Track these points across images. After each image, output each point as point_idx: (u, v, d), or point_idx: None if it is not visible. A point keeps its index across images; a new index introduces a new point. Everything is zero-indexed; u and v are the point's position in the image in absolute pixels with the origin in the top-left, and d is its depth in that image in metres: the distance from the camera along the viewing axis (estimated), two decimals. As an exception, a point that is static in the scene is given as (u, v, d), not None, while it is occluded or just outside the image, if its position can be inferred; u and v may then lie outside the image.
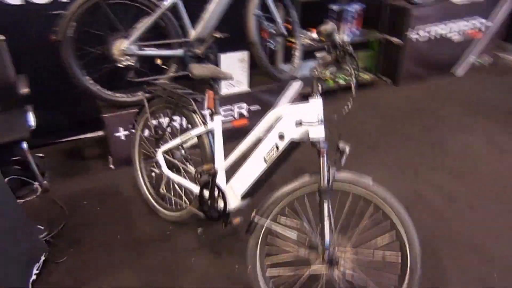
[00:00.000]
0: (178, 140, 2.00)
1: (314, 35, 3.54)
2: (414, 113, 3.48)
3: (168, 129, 2.12)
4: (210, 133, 1.91)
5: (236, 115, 2.95)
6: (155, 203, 2.27)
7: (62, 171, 2.66)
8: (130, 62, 2.44)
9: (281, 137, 1.59)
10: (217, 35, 2.64)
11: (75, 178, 2.60)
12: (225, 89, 2.85)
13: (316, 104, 1.53)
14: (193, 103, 1.92)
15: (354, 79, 1.51)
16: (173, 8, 2.51)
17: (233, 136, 2.94)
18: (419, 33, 3.81)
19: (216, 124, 1.89)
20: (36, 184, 2.38)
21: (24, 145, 2.20)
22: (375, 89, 3.99)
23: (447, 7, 3.84)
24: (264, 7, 2.77)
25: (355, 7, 3.64)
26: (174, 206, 2.22)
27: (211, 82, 1.87)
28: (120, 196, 2.44)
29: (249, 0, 2.66)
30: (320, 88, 1.56)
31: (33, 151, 2.69)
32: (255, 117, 3.01)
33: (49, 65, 2.53)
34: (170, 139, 2.07)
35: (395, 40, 3.89)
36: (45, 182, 2.42)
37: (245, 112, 2.98)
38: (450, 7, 3.85)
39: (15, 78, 2.33)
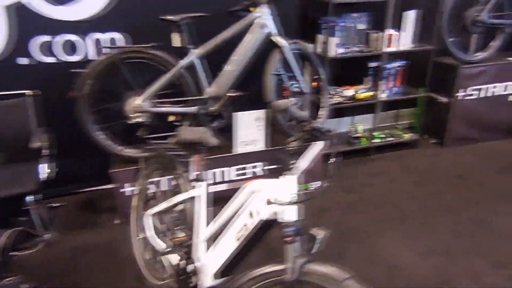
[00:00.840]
0: (165, 204, 1.92)
1: (347, 92, 3.37)
2: (459, 181, 3.07)
3: (159, 191, 2.05)
4: (194, 200, 1.80)
5: (250, 174, 2.82)
6: (144, 267, 2.16)
7: (72, 223, 2.69)
8: (141, 119, 2.46)
9: (251, 215, 1.42)
10: (232, 93, 2.59)
11: (82, 231, 2.60)
12: (240, 148, 2.76)
13: (288, 182, 1.35)
14: (179, 166, 1.84)
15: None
16: (190, 66, 2.54)
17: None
18: (470, 92, 3.46)
19: (201, 191, 1.77)
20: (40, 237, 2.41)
21: (29, 198, 2.26)
22: (418, 150, 3.64)
23: (504, 66, 3.46)
24: (286, 65, 2.70)
25: (396, 64, 3.43)
26: (160, 274, 2.09)
27: (198, 147, 1.78)
28: (117, 255, 2.37)
29: (268, 60, 2.60)
30: (293, 163, 1.39)
31: (52, 200, 2.83)
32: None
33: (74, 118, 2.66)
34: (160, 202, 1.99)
35: (441, 99, 3.56)
36: (49, 235, 2.45)
37: (260, 171, 2.84)
38: (508, 66, 3.47)
39: (33, 132, 2.45)
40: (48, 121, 2.61)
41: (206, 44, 2.53)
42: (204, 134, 1.81)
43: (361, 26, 3.26)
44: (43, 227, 2.44)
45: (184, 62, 2.50)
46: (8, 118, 2.51)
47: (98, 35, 2.64)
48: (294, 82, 2.75)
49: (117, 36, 2.69)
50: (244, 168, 2.80)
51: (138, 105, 2.45)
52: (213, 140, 1.79)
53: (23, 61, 2.55)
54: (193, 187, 1.81)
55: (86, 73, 2.36)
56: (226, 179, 2.79)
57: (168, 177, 1.98)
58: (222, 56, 2.58)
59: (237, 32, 2.56)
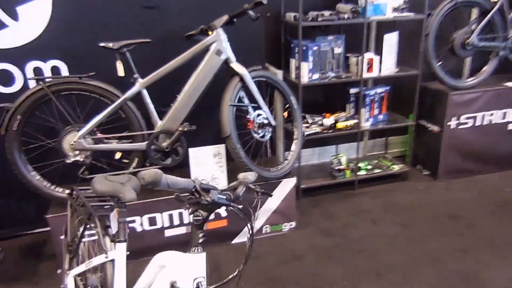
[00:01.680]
0: (84, 266, 1.59)
1: (327, 121, 3.05)
2: (449, 222, 2.71)
3: (82, 246, 1.73)
4: (112, 262, 1.48)
5: (212, 216, 2.49)
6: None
7: (7, 272, 2.37)
8: (79, 157, 2.17)
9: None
10: (186, 127, 2.30)
11: (19, 283, 2.29)
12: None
13: (195, 261, 1.04)
14: (97, 221, 1.52)
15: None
16: (137, 97, 2.25)
17: (208, 240, 2.48)
18: (464, 120, 3.13)
19: (118, 254, 1.45)
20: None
21: None
22: (408, 183, 3.29)
23: (500, 92, 3.14)
24: (249, 94, 2.41)
25: (379, 90, 3.12)
26: None
27: (115, 201, 1.47)
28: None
29: (225, 89, 2.32)
30: (201, 239, 1.08)
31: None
32: (236, 218, 2.52)
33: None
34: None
35: (432, 127, 3.24)
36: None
37: (223, 212, 2.51)
38: (505, 92, 3.15)
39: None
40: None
41: (154, 73, 2.25)
42: (120, 186, 1.50)
43: (338, 50, 2.98)
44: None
45: (129, 93, 2.22)
46: None
47: (38, 64, 2.38)
48: (259, 113, 2.45)
49: (61, 64, 2.42)
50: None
51: (76, 142, 2.16)
52: (130, 195, 1.48)
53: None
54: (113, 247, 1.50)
55: (13, 107, 2.08)
56: (185, 221, 2.46)
57: (90, 231, 1.66)
58: (174, 85, 2.31)
59: (189, 59, 2.29)
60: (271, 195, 1.44)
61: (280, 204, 2.59)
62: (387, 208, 2.93)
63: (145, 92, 2.26)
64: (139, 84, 2.23)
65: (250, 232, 1.22)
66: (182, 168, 2.45)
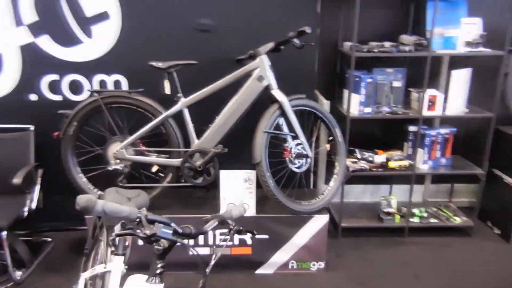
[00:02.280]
0: (89, 272, 1.68)
1: (378, 158, 2.85)
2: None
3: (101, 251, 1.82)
4: (109, 273, 1.53)
5: (236, 241, 2.46)
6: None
7: (52, 262, 2.61)
8: (119, 166, 2.32)
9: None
10: (220, 149, 2.32)
11: (55, 275, 2.50)
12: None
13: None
14: (104, 230, 1.60)
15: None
16: (179, 115, 2.36)
17: (230, 265, 2.47)
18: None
19: (115, 266, 1.51)
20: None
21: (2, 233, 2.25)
22: (471, 239, 2.88)
23: None
24: (288, 123, 2.36)
25: (443, 131, 2.83)
26: None
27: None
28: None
29: (262, 116, 2.30)
30: (159, 269, 1.07)
31: (39, 235, 2.81)
32: (261, 248, 2.46)
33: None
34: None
35: (509, 180, 2.82)
36: (20, 273, 2.38)
37: (248, 240, 2.46)
38: None
39: (26, 165, 2.47)
40: (40, 157, 2.63)
41: (197, 94, 2.33)
42: (125, 201, 1.57)
43: (398, 84, 2.78)
44: (17, 264, 2.38)
45: (171, 110, 2.33)
46: (8, 150, 2.58)
47: (104, 77, 2.64)
48: (297, 143, 2.38)
49: (122, 79, 2.65)
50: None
51: (118, 151, 2.32)
52: (133, 214, 1.52)
53: (32, 97, 2.64)
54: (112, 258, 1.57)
55: (72, 115, 2.32)
56: (209, 242, 2.47)
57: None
58: (214, 107, 2.36)
59: (232, 82, 2.33)
60: (254, 234, 1.36)
61: (309, 241, 2.46)
62: (438, 265, 2.59)
63: (186, 111, 2.35)
64: (181, 103, 2.33)
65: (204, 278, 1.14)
66: (214, 188, 2.48)
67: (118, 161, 2.33)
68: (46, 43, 2.55)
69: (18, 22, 2.51)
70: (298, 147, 2.38)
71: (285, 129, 2.39)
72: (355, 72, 2.65)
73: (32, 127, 2.61)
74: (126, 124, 2.49)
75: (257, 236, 2.45)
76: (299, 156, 2.39)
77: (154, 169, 2.39)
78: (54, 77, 2.62)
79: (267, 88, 2.32)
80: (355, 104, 2.68)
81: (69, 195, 2.82)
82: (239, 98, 2.32)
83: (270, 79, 2.31)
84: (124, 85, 2.66)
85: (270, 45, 2.31)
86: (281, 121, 2.38)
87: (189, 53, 2.56)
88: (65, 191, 2.82)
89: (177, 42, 2.57)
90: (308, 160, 2.42)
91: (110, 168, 2.33)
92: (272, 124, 2.31)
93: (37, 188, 2.53)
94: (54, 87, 2.63)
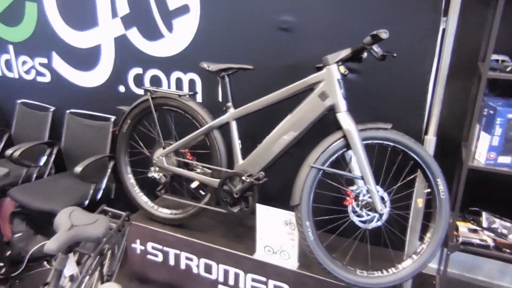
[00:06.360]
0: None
1: (506, 227, 1.85)
2: None
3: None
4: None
5: (270, 296, 1.95)
6: None
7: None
8: (157, 174, 2.11)
9: None
10: (262, 176, 1.85)
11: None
12: (263, 253, 1.94)
13: None
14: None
15: None
16: (225, 128, 1.98)
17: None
18: None
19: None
20: None
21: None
22: None
23: None
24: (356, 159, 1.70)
25: None
26: None
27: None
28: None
29: (317, 145, 1.71)
30: None
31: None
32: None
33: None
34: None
35: None
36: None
37: (285, 298, 1.92)
38: None
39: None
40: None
41: (247, 106, 1.90)
42: (64, 227, 1.30)
43: None
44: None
45: (216, 121, 1.97)
46: (91, 136, 2.70)
47: (180, 75, 2.47)
48: (368, 188, 1.69)
49: (196, 78, 2.43)
50: (265, 283, 1.96)
51: (158, 159, 2.11)
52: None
53: (122, 89, 2.69)
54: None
55: (127, 112, 2.22)
56: (241, 285, 2.03)
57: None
58: (267, 124, 1.89)
59: (290, 96, 1.81)
60: None
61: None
62: None
63: (234, 124, 1.95)
64: (229, 114, 1.94)
65: None
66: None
67: (157, 168, 2.12)
68: (134, 36, 2.52)
69: (114, 13, 2.55)
70: (369, 194, 1.69)
71: (354, 167, 1.73)
72: (488, 100, 1.73)
73: (113, 118, 2.66)
74: (176, 129, 2.26)
75: (296, 297, 1.88)
76: (368, 206, 1.69)
77: (194, 184, 2.09)
78: (139, 70, 2.59)
79: (332, 109, 1.70)
80: (483, 149, 1.76)
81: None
82: (293, 117, 1.78)
83: (337, 97, 1.68)
84: (198, 86, 2.43)
85: (345, 52, 1.67)
86: (350, 155, 1.73)
87: (268, 56, 2.14)
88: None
89: (257, 40, 2.17)
90: (382, 216, 1.70)
91: (149, 175, 2.14)
92: (329, 158, 1.69)
93: (105, 179, 2.56)
94: (139, 80, 2.60)
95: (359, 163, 1.65)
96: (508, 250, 1.81)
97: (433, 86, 1.88)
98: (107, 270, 1.67)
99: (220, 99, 2.00)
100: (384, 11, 1.83)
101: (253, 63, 2.04)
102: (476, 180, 1.78)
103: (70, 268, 1.36)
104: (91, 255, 1.45)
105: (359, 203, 1.70)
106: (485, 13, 1.92)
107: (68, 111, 2.85)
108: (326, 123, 1.75)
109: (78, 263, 1.51)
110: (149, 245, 2.20)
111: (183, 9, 2.34)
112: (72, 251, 1.37)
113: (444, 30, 1.87)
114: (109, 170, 2.58)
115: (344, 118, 1.67)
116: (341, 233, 1.94)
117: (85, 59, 2.72)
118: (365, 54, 1.68)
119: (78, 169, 2.33)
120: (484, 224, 1.93)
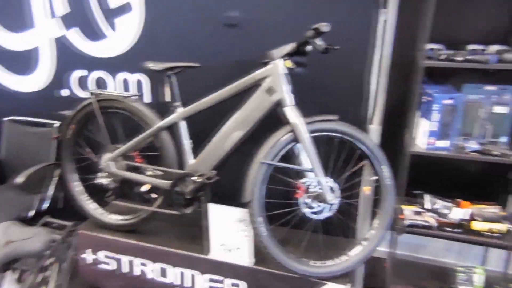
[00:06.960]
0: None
1: (457, 212, 1.95)
2: None
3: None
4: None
5: (229, 291, 1.94)
6: None
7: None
8: (104, 180, 2.03)
9: None
10: (213, 175, 1.83)
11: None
12: (218, 252, 1.93)
13: None
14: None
15: None
16: (174, 128, 1.94)
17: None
18: None
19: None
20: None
21: None
22: None
23: None
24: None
25: None
26: None
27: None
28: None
29: (265, 141, 1.72)
30: None
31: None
32: (256, 313, 1.88)
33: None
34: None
35: None
36: None
37: (240, 300, 1.91)
38: None
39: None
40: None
41: (195, 104, 1.87)
42: (22, 242, 1.22)
43: (502, 109, 1.82)
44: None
45: (164, 121, 1.92)
46: (33, 144, 2.55)
47: (127, 75, 2.39)
48: (319, 180, 1.71)
49: (145, 79, 2.36)
50: (221, 282, 1.94)
51: (105, 164, 2.03)
52: (32, 253, 1.17)
53: (65, 92, 2.56)
54: None
55: (69, 116, 2.12)
56: (197, 286, 2.00)
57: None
58: (217, 122, 1.87)
59: (237, 93, 1.80)
60: None
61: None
62: None
63: (182, 124, 1.91)
64: (177, 114, 1.91)
65: None
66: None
67: (103, 174, 2.04)
68: (76, 37, 2.41)
69: (52, 13, 2.42)
70: (319, 186, 1.72)
71: (304, 160, 1.75)
72: (426, 88, 1.82)
73: (57, 124, 2.52)
74: (124, 132, 2.19)
75: (254, 293, 1.89)
76: (319, 198, 1.72)
77: (144, 188, 2.03)
78: (83, 72, 2.47)
79: (279, 104, 1.71)
80: (423, 134, 1.85)
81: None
82: (241, 114, 1.77)
83: (284, 92, 1.70)
84: (147, 87, 2.37)
85: (289, 46, 1.69)
86: (298, 149, 1.75)
87: (216, 53, 2.11)
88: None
89: (204, 38, 2.14)
90: (333, 206, 1.73)
91: (96, 181, 2.06)
92: (278, 153, 1.70)
93: (51, 188, 2.43)
94: (83, 83, 2.49)
95: (308, 156, 1.68)
96: (449, 229, 1.91)
97: (376, 77, 1.95)
98: (54, 284, 1.59)
99: (167, 99, 1.96)
100: (328, 5, 1.86)
101: (201, 61, 2.02)
102: (418, 165, 1.86)
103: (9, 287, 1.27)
104: (33, 271, 1.36)
105: (310, 195, 1.73)
106: (422, 4, 2.01)
107: (7, 119, 2.67)
108: (275, 118, 1.76)
109: (20, 280, 1.42)
110: (101, 253, 2.11)
111: (125, 8, 2.27)
112: (9, 269, 1.28)
113: (385, 21, 1.94)
114: (55, 179, 2.45)
115: (291, 112, 1.68)
116: (294, 226, 1.96)
117: (22, 62, 2.57)
118: (309, 48, 1.70)
119: (20, 179, 2.19)
120: (427, 206, 2.03)
